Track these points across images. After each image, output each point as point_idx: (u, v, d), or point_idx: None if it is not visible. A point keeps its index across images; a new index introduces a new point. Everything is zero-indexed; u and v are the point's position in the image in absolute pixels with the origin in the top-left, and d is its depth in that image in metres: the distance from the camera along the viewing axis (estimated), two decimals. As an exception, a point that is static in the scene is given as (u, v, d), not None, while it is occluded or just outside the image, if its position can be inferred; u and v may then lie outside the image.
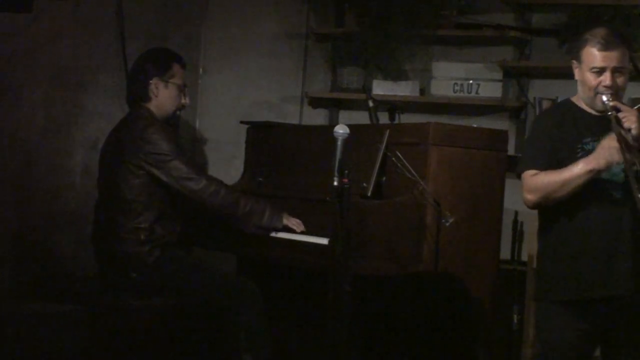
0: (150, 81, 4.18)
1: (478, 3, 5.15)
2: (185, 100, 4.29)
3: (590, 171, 3.25)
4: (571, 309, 3.38)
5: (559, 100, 4.68)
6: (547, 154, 3.39)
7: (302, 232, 4.14)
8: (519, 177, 3.45)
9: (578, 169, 3.27)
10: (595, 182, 3.30)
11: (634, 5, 4.67)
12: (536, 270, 3.56)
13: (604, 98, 3.31)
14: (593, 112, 3.42)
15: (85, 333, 3.81)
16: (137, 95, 4.22)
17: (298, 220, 4.18)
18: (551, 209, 3.41)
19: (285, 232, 4.18)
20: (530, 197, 3.39)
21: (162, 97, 4.21)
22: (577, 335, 3.38)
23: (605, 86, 3.32)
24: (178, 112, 4.33)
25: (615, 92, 3.33)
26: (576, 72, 3.43)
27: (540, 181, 3.35)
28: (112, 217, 4.09)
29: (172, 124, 4.37)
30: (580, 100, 3.46)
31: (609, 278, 3.32)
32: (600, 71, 3.33)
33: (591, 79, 3.35)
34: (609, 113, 3.28)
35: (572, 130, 3.40)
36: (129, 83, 4.31)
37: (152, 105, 4.21)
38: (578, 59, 3.40)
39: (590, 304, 3.36)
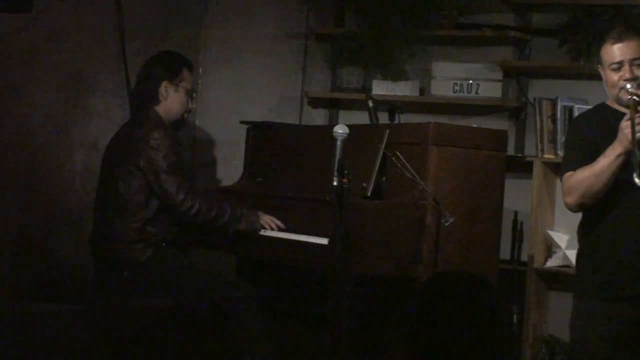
0: (161, 84, 4.21)
1: (478, 3, 5.14)
2: (192, 105, 4.37)
3: (619, 155, 3.21)
4: (609, 308, 3.33)
5: (559, 100, 4.68)
6: (584, 156, 3.35)
7: (303, 233, 4.14)
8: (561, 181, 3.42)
9: (607, 157, 3.23)
10: (630, 180, 3.25)
11: (634, 5, 4.66)
12: (576, 268, 3.53)
13: (628, 86, 3.27)
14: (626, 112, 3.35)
15: (85, 333, 3.80)
16: (146, 98, 4.24)
17: (271, 218, 4.21)
18: (591, 208, 3.35)
19: (285, 232, 4.18)
20: (569, 199, 3.35)
21: (171, 100, 4.25)
22: (610, 335, 3.33)
23: (625, 79, 3.30)
24: (186, 115, 4.37)
25: (639, 84, 3.28)
26: (603, 75, 3.43)
27: (575, 180, 3.31)
28: (108, 215, 4.13)
29: (180, 127, 4.40)
30: (613, 103, 3.44)
31: None
32: (619, 67, 3.32)
33: (612, 75, 3.35)
34: (629, 97, 3.23)
35: (606, 131, 3.36)
36: (138, 85, 4.32)
37: (161, 109, 4.24)
38: (600, 60, 3.41)
39: (628, 302, 3.31)
